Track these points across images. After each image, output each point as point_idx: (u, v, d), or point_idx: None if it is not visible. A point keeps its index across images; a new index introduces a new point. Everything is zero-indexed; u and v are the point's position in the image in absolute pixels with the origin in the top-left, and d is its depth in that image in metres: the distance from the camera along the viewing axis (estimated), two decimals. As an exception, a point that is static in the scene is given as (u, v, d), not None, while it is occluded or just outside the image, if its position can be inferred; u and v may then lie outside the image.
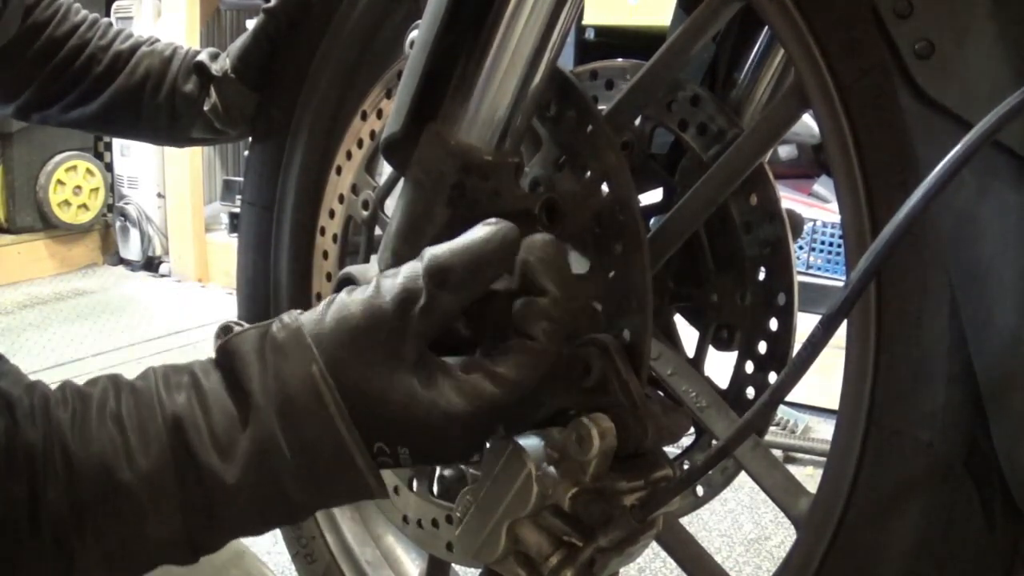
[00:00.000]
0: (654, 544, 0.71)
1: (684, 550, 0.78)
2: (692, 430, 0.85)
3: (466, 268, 0.54)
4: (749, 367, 0.86)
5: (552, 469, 0.59)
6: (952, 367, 0.53)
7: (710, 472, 0.85)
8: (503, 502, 0.61)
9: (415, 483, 0.86)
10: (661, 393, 0.80)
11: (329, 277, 0.94)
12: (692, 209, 0.72)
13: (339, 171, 0.93)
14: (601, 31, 2.37)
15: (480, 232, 0.55)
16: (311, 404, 0.52)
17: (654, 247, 0.68)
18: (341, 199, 0.93)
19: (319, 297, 0.96)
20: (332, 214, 0.94)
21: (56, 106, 1.09)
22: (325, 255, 0.95)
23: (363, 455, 0.53)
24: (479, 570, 0.87)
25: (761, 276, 0.85)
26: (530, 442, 0.61)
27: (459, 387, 0.54)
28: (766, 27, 0.86)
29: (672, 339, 0.89)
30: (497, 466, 0.61)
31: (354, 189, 0.91)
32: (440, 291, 0.54)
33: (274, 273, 1.08)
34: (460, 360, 0.56)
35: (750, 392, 0.86)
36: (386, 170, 0.90)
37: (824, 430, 2.03)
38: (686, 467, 0.89)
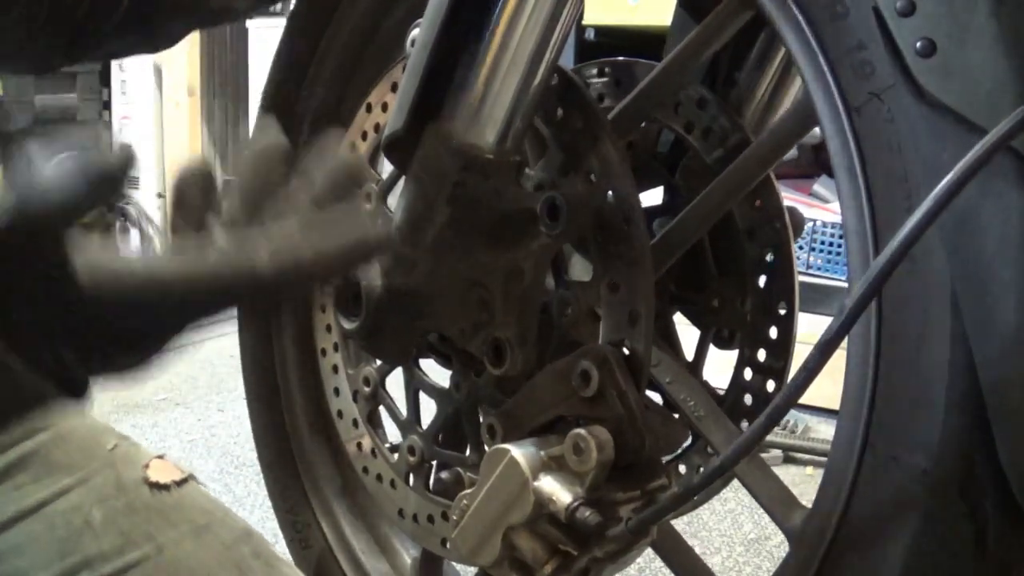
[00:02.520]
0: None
1: (676, 553, 0.78)
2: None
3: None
4: (748, 374, 0.86)
5: (549, 478, 0.59)
6: (951, 395, 0.53)
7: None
8: (499, 509, 0.61)
9: (412, 478, 0.86)
10: (659, 396, 0.81)
11: (330, 277, 0.94)
12: (696, 218, 0.73)
13: (343, 166, 0.93)
14: (601, 31, 2.37)
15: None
16: None
17: (657, 254, 0.68)
18: (343, 196, 0.93)
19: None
20: (334, 212, 0.94)
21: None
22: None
23: None
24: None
25: (762, 283, 0.85)
26: (527, 451, 0.61)
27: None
28: (766, 27, 0.86)
29: (671, 343, 0.89)
30: (494, 473, 0.61)
31: (357, 182, 0.91)
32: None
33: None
34: None
35: (748, 400, 0.86)
36: (389, 165, 0.90)
37: (824, 430, 2.03)
38: (682, 470, 0.89)
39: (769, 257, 0.84)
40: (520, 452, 0.60)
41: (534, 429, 0.66)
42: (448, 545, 0.82)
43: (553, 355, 0.68)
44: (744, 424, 0.84)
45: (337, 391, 0.95)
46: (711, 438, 0.77)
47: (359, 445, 0.91)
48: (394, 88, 0.86)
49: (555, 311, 0.70)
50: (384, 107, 0.88)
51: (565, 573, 0.60)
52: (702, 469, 0.87)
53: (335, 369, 0.94)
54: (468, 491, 0.64)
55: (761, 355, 0.85)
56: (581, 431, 0.59)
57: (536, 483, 0.59)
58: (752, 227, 0.85)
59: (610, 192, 0.65)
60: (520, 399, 0.68)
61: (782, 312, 0.84)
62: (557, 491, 0.58)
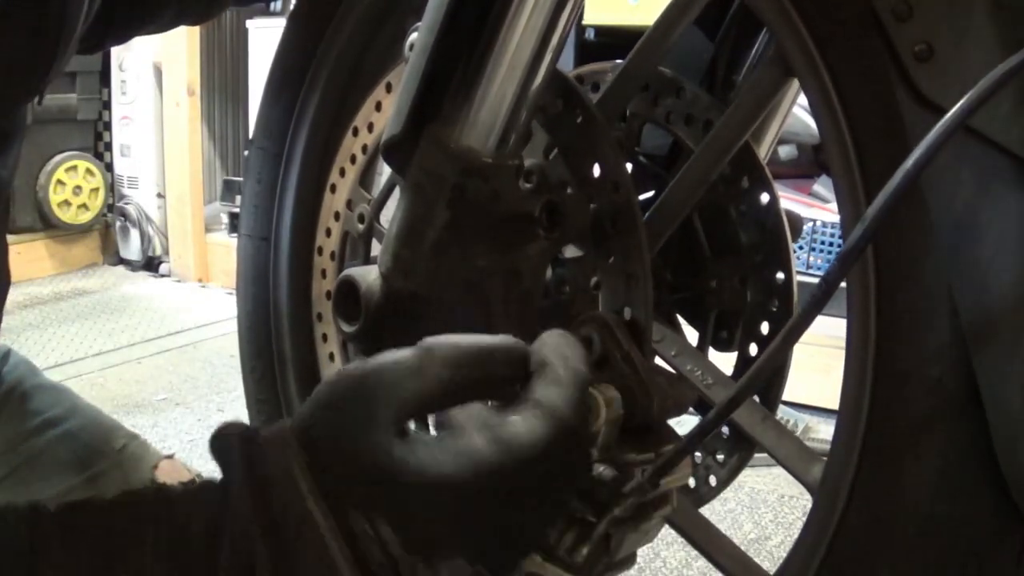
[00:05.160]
0: (653, 544, 0.71)
1: (700, 534, 0.78)
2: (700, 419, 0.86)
3: (461, 353, 0.49)
4: (753, 349, 0.87)
5: None
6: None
7: (719, 461, 0.85)
8: None
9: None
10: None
11: (329, 296, 0.95)
12: (685, 188, 0.73)
13: (333, 189, 0.94)
14: (601, 31, 2.37)
15: (491, 338, 0.52)
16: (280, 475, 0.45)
17: (651, 228, 0.69)
18: (337, 216, 0.93)
19: (320, 317, 0.97)
20: (328, 232, 0.94)
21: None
22: (324, 274, 0.95)
23: (330, 528, 0.45)
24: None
25: (758, 257, 0.85)
26: None
27: (443, 447, 0.47)
28: (765, 28, 0.86)
29: (675, 329, 0.89)
30: None
31: (349, 204, 0.92)
32: (431, 361, 0.49)
33: (274, 299, 1.07)
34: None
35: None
36: (380, 184, 0.91)
37: (824, 430, 2.03)
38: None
39: (762, 231, 0.84)
40: None
41: None
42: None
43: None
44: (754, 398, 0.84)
45: None
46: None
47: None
48: (378, 108, 0.87)
49: (552, 290, 0.71)
50: (370, 128, 0.88)
51: (586, 542, 0.59)
52: (720, 456, 0.87)
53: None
54: None
55: (764, 328, 0.86)
56: (588, 389, 0.59)
57: None
58: (741, 203, 0.85)
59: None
60: None
61: (780, 281, 0.84)
62: None
